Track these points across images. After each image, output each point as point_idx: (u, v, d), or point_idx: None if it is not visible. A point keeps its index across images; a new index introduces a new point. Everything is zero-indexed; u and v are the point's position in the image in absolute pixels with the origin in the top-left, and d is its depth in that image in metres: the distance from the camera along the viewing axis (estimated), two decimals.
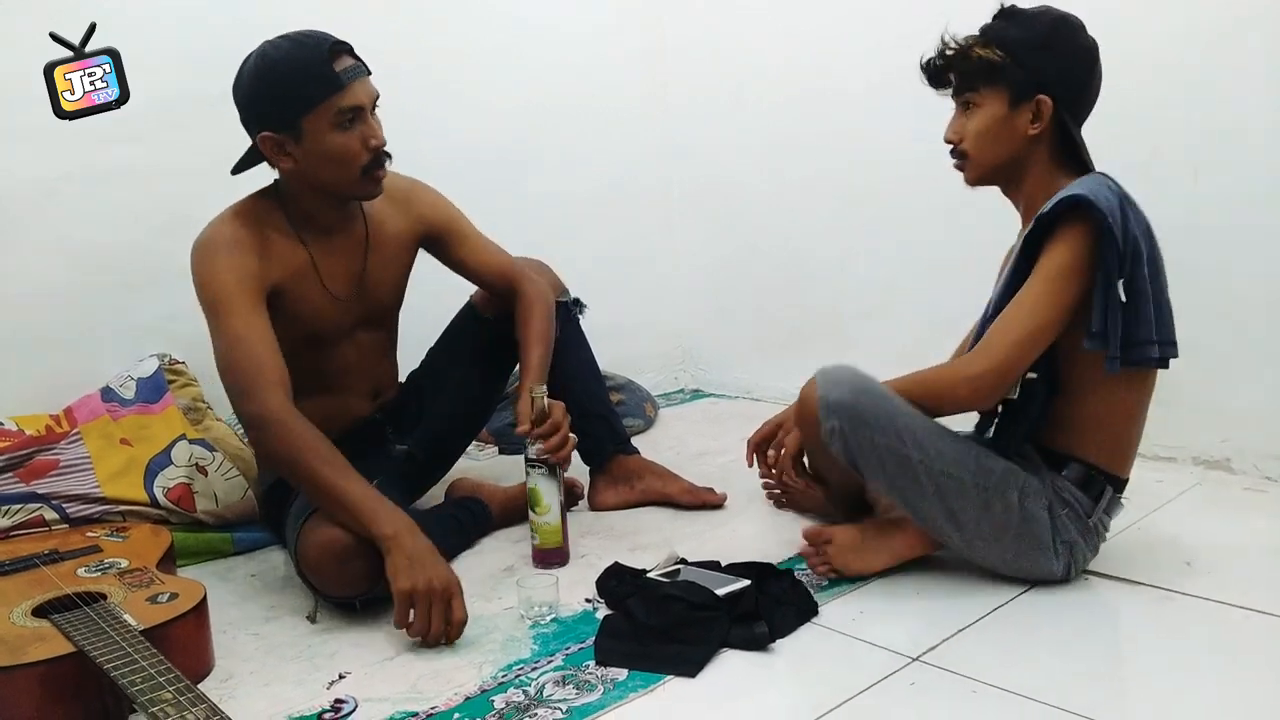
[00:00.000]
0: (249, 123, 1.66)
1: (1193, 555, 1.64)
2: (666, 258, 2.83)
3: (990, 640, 1.42)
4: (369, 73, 1.66)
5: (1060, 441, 1.54)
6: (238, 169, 1.72)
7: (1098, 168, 1.55)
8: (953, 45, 1.54)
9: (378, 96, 1.67)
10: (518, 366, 2.06)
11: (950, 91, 1.57)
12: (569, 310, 2.01)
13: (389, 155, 1.69)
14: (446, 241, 1.92)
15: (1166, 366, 1.50)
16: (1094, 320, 1.43)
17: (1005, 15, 1.54)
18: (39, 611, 1.40)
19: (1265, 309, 1.95)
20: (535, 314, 1.88)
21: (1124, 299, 1.41)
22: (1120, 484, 1.55)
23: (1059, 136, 1.53)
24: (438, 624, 1.45)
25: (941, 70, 1.56)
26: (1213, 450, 2.03)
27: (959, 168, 1.59)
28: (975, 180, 1.58)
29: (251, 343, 1.59)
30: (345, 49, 1.63)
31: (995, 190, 1.61)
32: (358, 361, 1.87)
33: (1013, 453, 1.54)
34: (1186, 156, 2.00)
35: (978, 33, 1.54)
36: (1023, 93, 1.50)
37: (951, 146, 1.58)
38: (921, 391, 1.52)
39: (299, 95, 1.60)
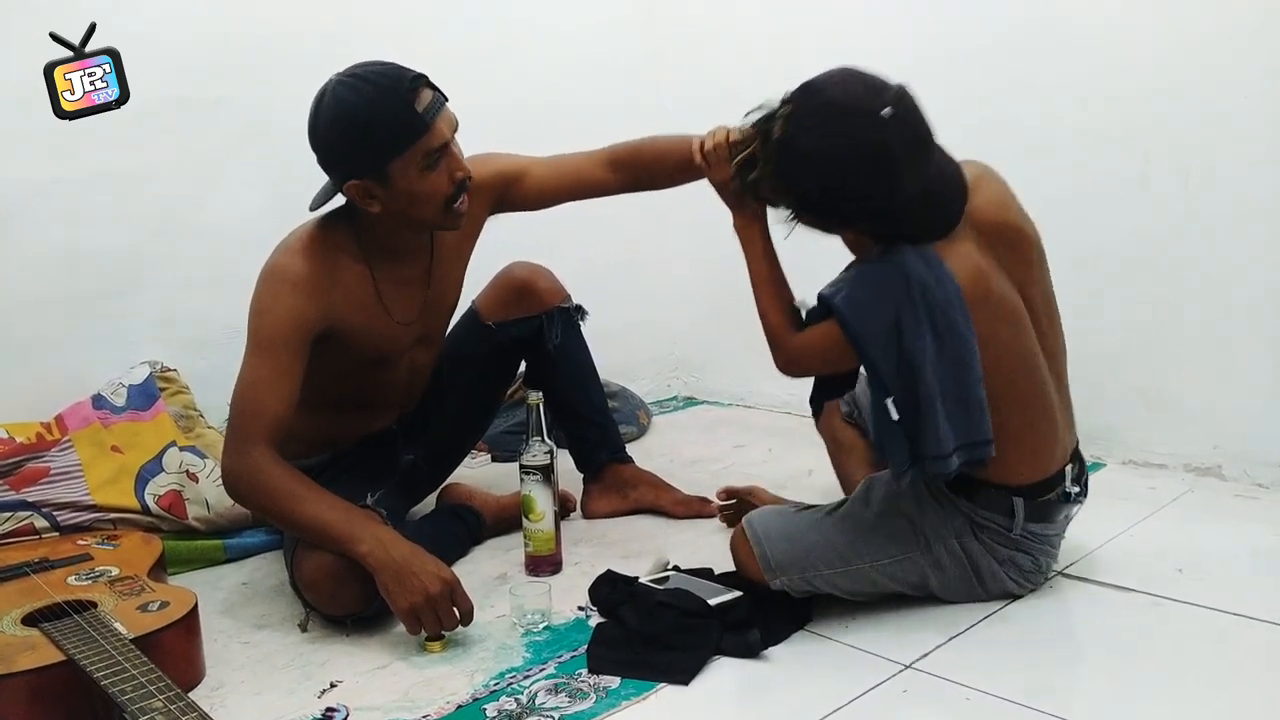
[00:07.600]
0: (332, 170, 1.58)
1: (1184, 562, 1.64)
2: (660, 263, 2.82)
3: (983, 647, 1.42)
4: (447, 100, 1.57)
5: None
6: (316, 205, 1.63)
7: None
8: (749, 186, 1.51)
9: (458, 125, 1.59)
10: (520, 369, 2.06)
11: None
12: (570, 316, 2.01)
13: (470, 179, 1.62)
14: (513, 192, 1.81)
15: (984, 464, 1.43)
16: (870, 432, 1.42)
17: (783, 146, 1.41)
18: (29, 620, 1.40)
19: (1255, 315, 1.96)
20: (646, 138, 1.81)
21: (896, 417, 1.39)
22: (1032, 490, 1.48)
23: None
24: (449, 624, 1.49)
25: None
26: (1204, 457, 2.04)
27: None
28: None
29: (266, 391, 1.55)
30: (423, 82, 1.54)
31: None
32: (408, 379, 1.85)
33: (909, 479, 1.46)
34: (1178, 161, 2.00)
35: (771, 164, 1.44)
36: (826, 228, 1.51)
37: None
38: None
39: (386, 144, 1.52)
